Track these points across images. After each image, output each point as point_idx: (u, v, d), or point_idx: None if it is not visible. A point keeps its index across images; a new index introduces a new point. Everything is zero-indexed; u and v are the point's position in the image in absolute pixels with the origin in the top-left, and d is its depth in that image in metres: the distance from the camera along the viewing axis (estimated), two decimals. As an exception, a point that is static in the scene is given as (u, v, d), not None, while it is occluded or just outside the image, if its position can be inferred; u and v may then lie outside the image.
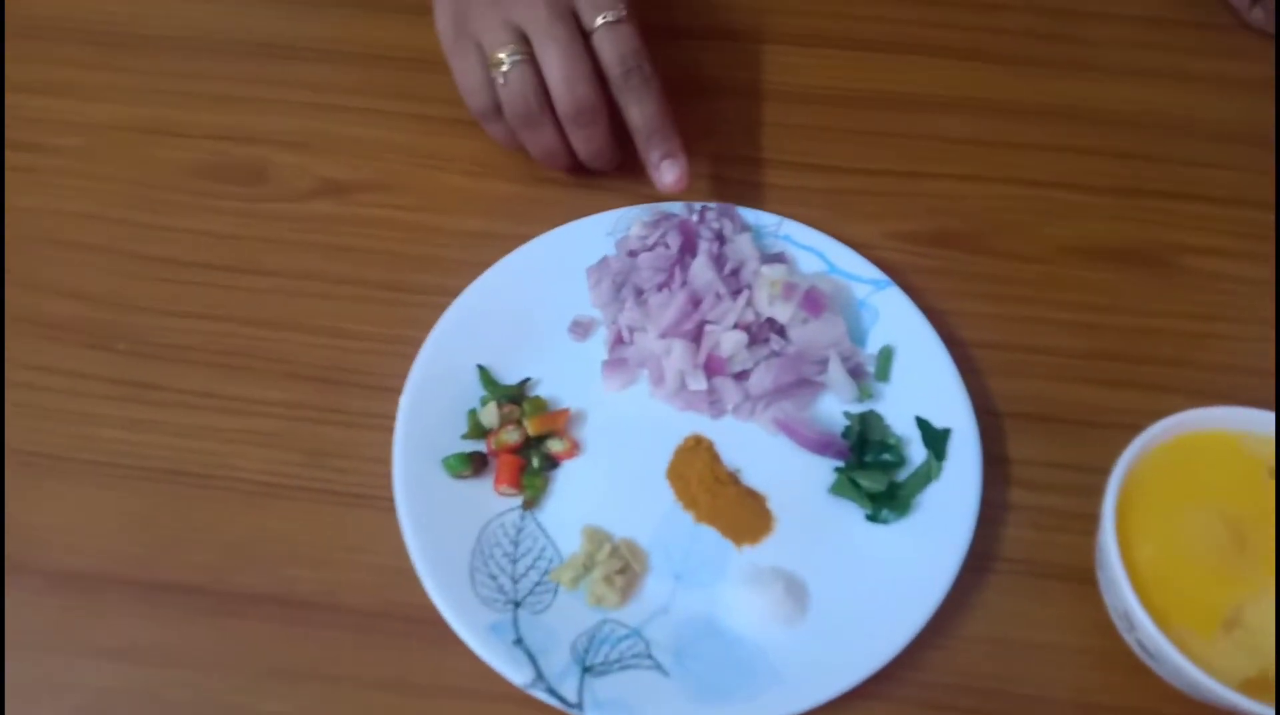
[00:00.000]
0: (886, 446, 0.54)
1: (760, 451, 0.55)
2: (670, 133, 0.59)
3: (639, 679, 0.48)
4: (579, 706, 0.47)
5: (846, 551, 0.52)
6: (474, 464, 0.54)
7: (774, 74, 0.70)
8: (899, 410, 0.56)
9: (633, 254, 0.59)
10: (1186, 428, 0.50)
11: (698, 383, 0.55)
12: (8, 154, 0.66)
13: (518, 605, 0.50)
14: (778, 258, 0.59)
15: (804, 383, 0.56)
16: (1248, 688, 0.44)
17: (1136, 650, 0.48)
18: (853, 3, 0.74)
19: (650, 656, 0.49)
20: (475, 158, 0.66)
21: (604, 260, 0.60)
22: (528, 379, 0.57)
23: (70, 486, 0.55)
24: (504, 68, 0.57)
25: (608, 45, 0.57)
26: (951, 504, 0.52)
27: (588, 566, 0.51)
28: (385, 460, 0.53)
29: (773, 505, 0.54)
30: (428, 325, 0.57)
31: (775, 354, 0.56)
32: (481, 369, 0.57)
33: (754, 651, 0.49)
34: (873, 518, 0.53)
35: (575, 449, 0.55)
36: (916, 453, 0.54)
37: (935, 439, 0.54)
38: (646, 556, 0.52)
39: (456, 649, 0.49)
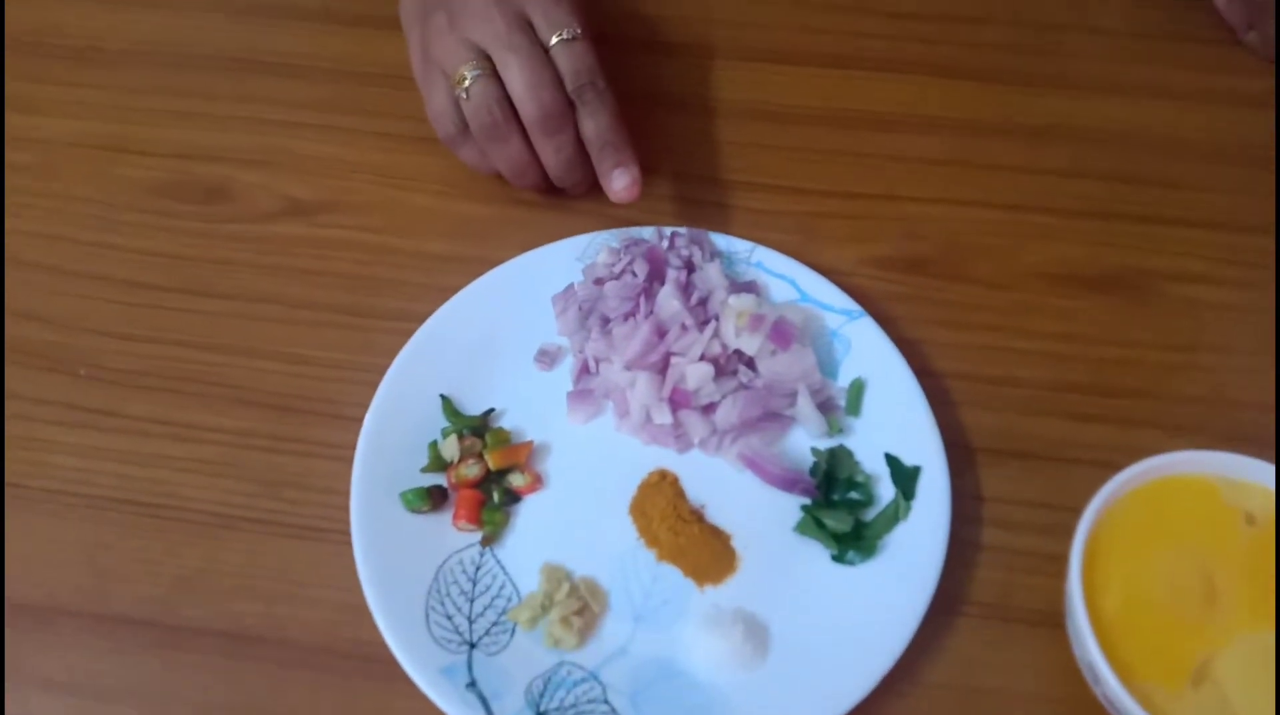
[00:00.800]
0: (854, 484, 0.53)
1: (726, 487, 0.54)
2: (623, 144, 0.59)
3: (594, 724, 0.47)
4: (531, 753, 0.46)
5: (811, 593, 0.51)
6: (433, 498, 0.52)
7: (747, 92, 0.69)
8: (869, 445, 0.55)
9: (599, 282, 0.58)
10: (1162, 471, 0.48)
11: (663, 416, 0.54)
12: (-37, 172, 0.64)
13: (473, 646, 0.49)
14: (748, 287, 0.58)
15: (772, 416, 0.55)
16: (1215, 746, 0.43)
17: (1103, 703, 0.46)
18: (826, 18, 0.73)
19: (606, 701, 0.48)
20: (442, 177, 0.65)
21: (570, 288, 0.58)
22: (491, 410, 0.56)
23: (23, 515, 0.54)
24: (466, 83, 0.58)
25: (563, 61, 0.58)
26: (919, 545, 0.51)
27: (546, 606, 0.50)
28: (341, 491, 0.52)
29: (736, 544, 0.52)
30: (390, 352, 0.56)
31: (743, 387, 0.55)
32: (445, 399, 0.55)
33: (712, 696, 0.48)
34: (838, 559, 0.51)
35: (537, 483, 0.54)
36: (885, 490, 0.53)
37: (904, 477, 0.53)
38: (606, 596, 0.51)
39: (407, 689, 0.47)
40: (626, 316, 0.56)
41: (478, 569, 0.52)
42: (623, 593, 0.51)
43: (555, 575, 0.51)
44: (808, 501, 0.53)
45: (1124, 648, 0.45)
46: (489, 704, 0.47)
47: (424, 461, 0.54)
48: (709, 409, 0.55)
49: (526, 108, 0.57)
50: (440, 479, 0.54)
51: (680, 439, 0.55)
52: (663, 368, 0.55)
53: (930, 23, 0.73)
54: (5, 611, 0.51)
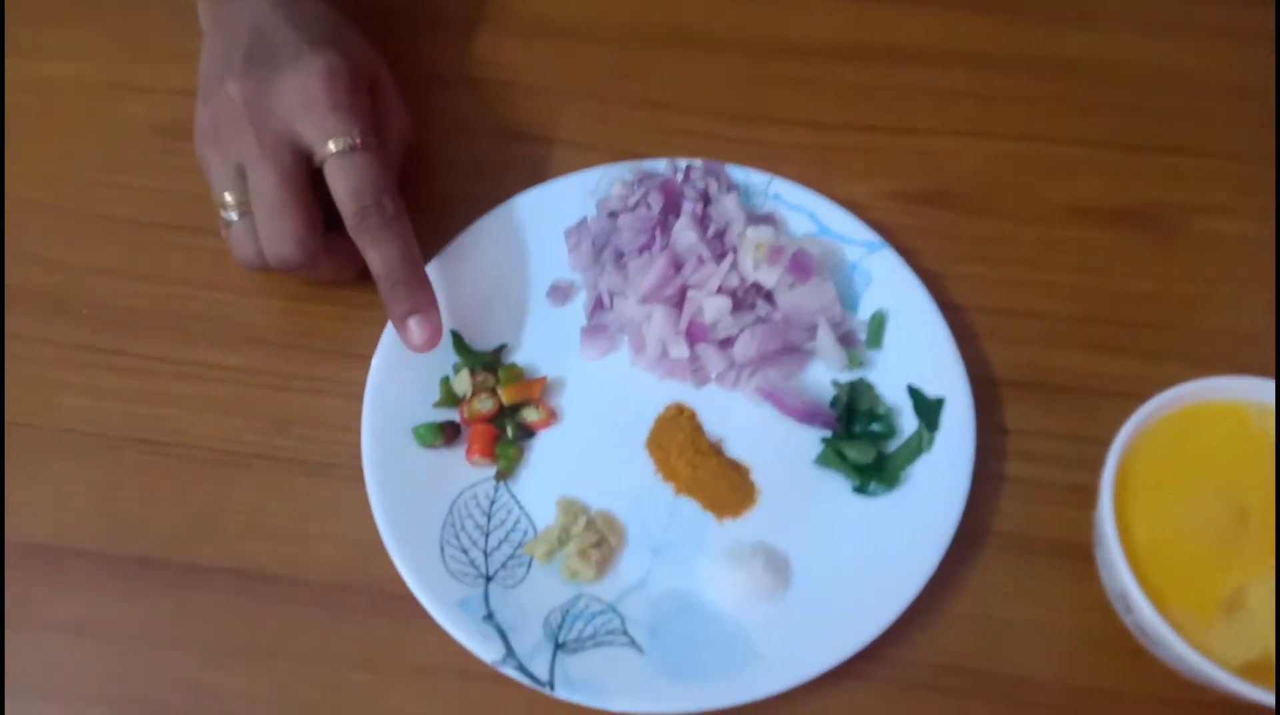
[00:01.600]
0: (876, 416, 0.52)
1: (744, 421, 0.53)
2: (416, 282, 0.50)
3: (613, 656, 0.47)
4: (550, 685, 0.45)
5: (831, 525, 0.50)
6: (446, 433, 0.52)
7: (762, 25, 0.67)
8: (890, 379, 0.53)
9: (613, 215, 0.56)
10: (1191, 398, 0.47)
11: (679, 350, 0.53)
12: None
13: (489, 580, 0.48)
14: (766, 219, 0.57)
15: (791, 350, 0.54)
16: (1248, 671, 0.42)
17: (1134, 631, 0.46)
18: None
19: (625, 633, 0.47)
20: (453, 115, 0.63)
21: (583, 222, 0.57)
22: (503, 345, 0.55)
23: (32, 456, 0.53)
24: (225, 215, 0.52)
25: (339, 179, 0.50)
26: (942, 476, 0.50)
27: (563, 540, 0.49)
28: (353, 428, 0.51)
29: (756, 477, 0.52)
30: (400, 289, 0.54)
31: (761, 320, 0.54)
32: (455, 335, 0.54)
33: (733, 629, 0.47)
34: (860, 490, 0.51)
35: (551, 418, 0.53)
36: (907, 423, 0.52)
37: (927, 409, 0.52)
38: (624, 530, 0.50)
39: (424, 624, 0.47)
40: (641, 250, 0.55)
41: (492, 503, 0.51)
42: (640, 526, 0.50)
43: (572, 509, 0.50)
44: (828, 434, 0.52)
45: (1155, 576, 0.44)
46: (507, 635, 0.46)
47: (435, 398, 0.53)
48: (727, 343, 0.54)
49: (270, 262, 0.51)
50: (453, 414, 0.53)
51: (697, 373, 0.54)
52: (679, 301, 0.54)
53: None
54: (5, 552, 0.51)
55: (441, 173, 0.61)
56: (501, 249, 0.57)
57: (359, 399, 0.51)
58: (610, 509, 0.51)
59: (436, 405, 0.53)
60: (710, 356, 0.53)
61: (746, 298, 0.54)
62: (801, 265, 0.53)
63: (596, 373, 0.55)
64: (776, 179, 0.58)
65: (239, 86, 0.51)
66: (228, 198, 0.51)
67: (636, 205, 0.56)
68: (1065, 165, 0.62)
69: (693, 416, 0.53)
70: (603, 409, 0.54)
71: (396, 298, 0.50)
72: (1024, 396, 0.54)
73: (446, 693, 0.48)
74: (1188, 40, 0.67)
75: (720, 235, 0.55)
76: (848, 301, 0.55)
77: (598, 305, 0.56)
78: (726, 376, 0.54)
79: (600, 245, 0.56)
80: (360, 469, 0.50)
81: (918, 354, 0.53)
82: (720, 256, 0.54)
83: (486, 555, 0.49)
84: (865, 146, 0.62)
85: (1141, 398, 0.47)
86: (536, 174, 0.60)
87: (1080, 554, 0.50)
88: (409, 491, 0.50)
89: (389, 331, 0.53)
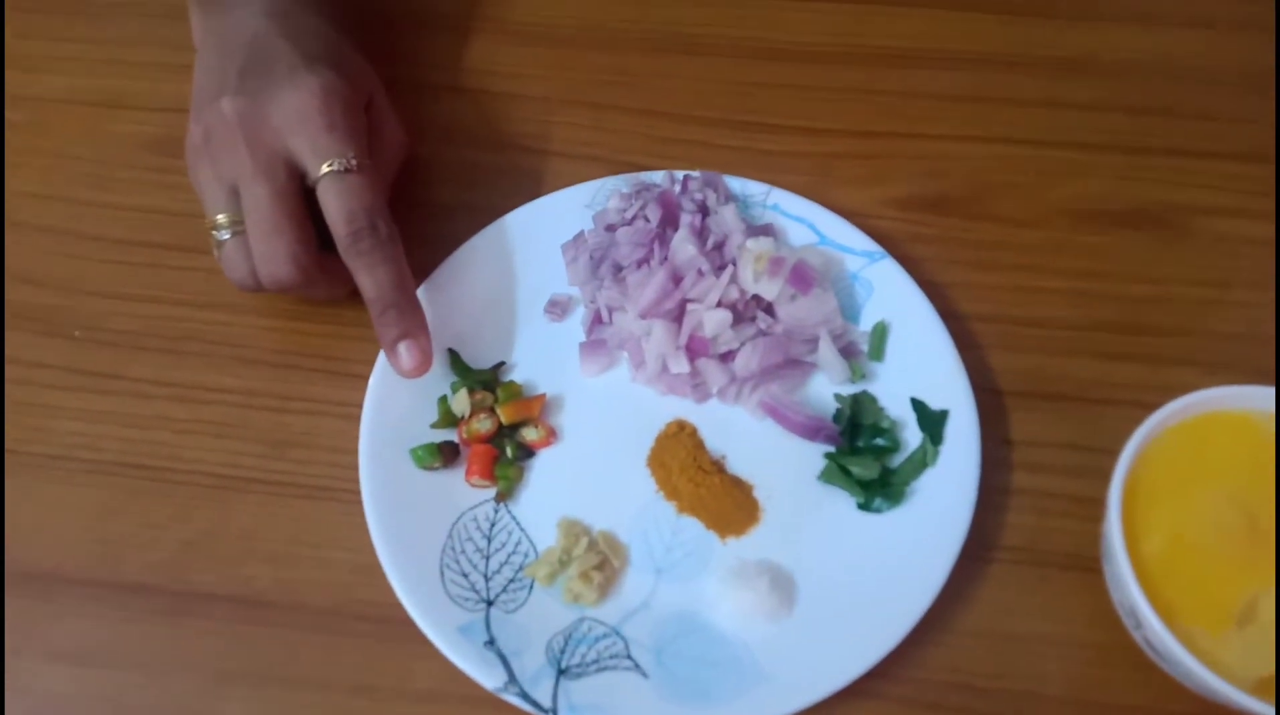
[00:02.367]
0: (879, 430, 0.51)
1: (746, 437, 0.52)
2: (407, 306, 0.50)
3: (617, 680, 0.46)
4: (553, 711, 0.45)
5: (837, 542, 0.49)
6: (444, 454, 0.51)
7: (758, 30, 0.66)
8: (893, 391, 0.53)
9: (611, 228, 0.56)
10: (1200, 408, 0.46)
11: (680, 365, 0.52)
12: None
13: (490, 604, 0.48)
14: (764, 230, 0.56)
15: (793, 363, 0.53)
16: (1262, 688, 0.41)
17: (1144, 647, 0.45)
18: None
19: (629, 656, 0.47)
20: (447, 125, 0.62)
21: (580, 235, 0.56)
22: (501, 363, 0.54)
23: (26, 482, 0.53)
24: (217, 240, 0.51)
25: (333, 200, 0.49)
26: (948, 490, 0.49)
27: (564, 562, 0.49)
28: (350, 451, 0.50)
29: (759, 494, 0.51)
30: (396, 306, 0.54)
31: (762, 333, 0.53)
32: (452, 353, 0.54)
33: (739, 649, 0.47)
34: (865, 506, 0.50)
35: (551, 437, 0.52)
36: (912, 436, 0.51)
37: (931, 421, 0.51)
38: (626, 550, 0.50)
39: (424, 650, 0.46)
40: (640, 263, 0.54)
41: (492, 525, 0.50)
42: (643, 546, 0.50)
43: (573, 530, 0.49)
44: (831, 449, 0.51)
45: (1166, 590, 0.43)
46: (509, 661, 0.46)
47: (433, 418, 0.52)
48: (727, 357, 0.53)
49: (264, 281, 0.50)
50: (451, 435, 0.52)
51: (698, 388, 0.53)
52: (679, 315, 0.53)
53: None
54: (6, 581, 0.50)
55: (435, 181, 0.61)
56: (498, 265, 0.56)
57: (356, 420, 0.51)
58: (612, 529, 0.50)
59: (435, 426, 0.52)
60: (711, 371, 0.53)
61: (747, 311, 0.54)
62: (802, 276, 0.53)
63: (596, 390, 0.54)
64: (775, 189, 0.57)
65: (233, 103, 0.50)
66: (220, 217, 0.50)
67: (634, 218, 0.56)
68: (1069, 167, 0.61)
69: (694, 433, 0.52)
70: (603, 426, 0.53)
71: (387, 322, 0.49)
72: (1030, 406, 0.54)
73: (448, 720, 0.47)
74: (1191, 36, 0.66)
75: (719, 247, 0.55)
76: (849, 313, 0.55)
77: (596, 320, 0.55)
78: (728, 391, 0.53)
79: (598, 259, 0.55)
80: (358, 492, 0.49)
81: (921, 365, 0.53)
82: (720, 268, 0.54)
83: (487, 579, 0.48)
84: (864, 152, 0.62)
85: (1150, 406, 0.46)
86: (531, 183, 0.59)
87: (1090, 567, 0.49)
88: (408, 514, 0.49)
89: (385, 351, 0.52)
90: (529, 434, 0.52)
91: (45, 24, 0.66)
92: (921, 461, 0.50)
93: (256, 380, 0.55)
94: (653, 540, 0.50)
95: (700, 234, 0.54)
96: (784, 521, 0.50)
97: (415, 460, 0.51)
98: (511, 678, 0.45)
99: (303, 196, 0.50)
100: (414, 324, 0.50)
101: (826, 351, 0.53)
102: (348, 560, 0.50)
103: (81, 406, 0.54)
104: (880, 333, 0.54)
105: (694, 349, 0.53)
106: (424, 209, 0.59)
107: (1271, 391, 0.46)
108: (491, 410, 0.52)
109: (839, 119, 0.63)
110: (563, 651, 0.47)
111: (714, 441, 0.52)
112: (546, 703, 0.45)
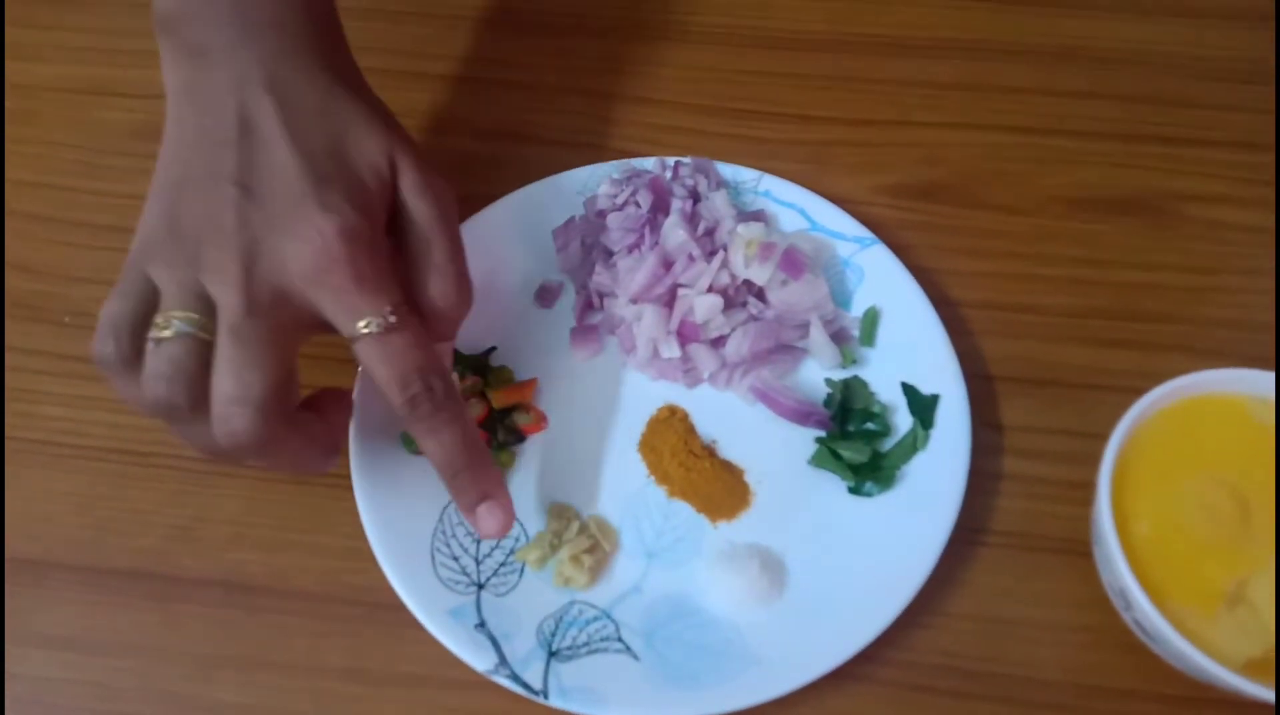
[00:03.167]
0: (870, 415, 0.51)
1: (737, 422, 0.52)
2: (482, 467, 0.44)
3: (608, 663, 0.46)
4: (544, 693, 0.45)
5: (827, 526, 0.49)
6: (434, 439, 0.51)
7: (752, 17, 0.66)
8: (884, 376, 0.53)
9: (601, 214, 0.56)
10: (1189, 391, 0.46)
11: (670, 350, 0.52)
12: (-57, 118, 0.62)
13: (480, 587, 0.48)
14: (755, 216, 0.56)
15: (784, 348, 0.53)
16: (1251, 669, 0.41)
17: (1134, 629, 0.45)
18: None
19: (620, 640, 0.47)
20: (435, 113, 0.62)
21: (570, 221, 0.56)
22: (492, 348, 0.54)
23: (14, 468, 0.52)
24: (165, 332, 0.40)
25: (379, 365, 0.42)
26: (939, 474, 0.49)
27: (555, 545, 0.49)
28: (340, 436, 0.50)
29: (750, 479, 0.51)
30: (386, 292, 0.53)
31: (753, 318, 0.53)
32: (443, 338, 0.54)
33: (729, 633, 0.47)
34: (855, 490, 0.50)
35: (542, 422, 0.52)
36: (902, 421, 0.51)
37: (922, 406, 0.51)
38: (617, 534, 0.50)
39: (415, 634, 0.46)
40: (631, 249, 0.54)
41: (483, 510, 0.50)
42: (634, 531, 0.50)
43: (564, 514, 0.49)
44: (822, 434, 0.51)
45: (1155, 572, 0.43)
46: (499, 644, 0.45)
47: (425, 403, 0.52)
48: (718, 342, 0.53)
49: (216, 425, 0.40)
50: (442, 420, 0.52)
51: (689, 373, 0.53)
52: (670, 300, 0.53)
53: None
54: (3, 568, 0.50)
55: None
56: (488, 251, 0.56)
57: (346, 405, 0.51)
58: (603, 513, 0.50)
59: (425, 410, 0.52)
60: (702, 356, 0.53)
61: (738, 296, 0.54)
62: (793, 262, 0.53)
63: (587, 375, 0.54)
64: (766, 176, 0.57)
65: (238, 200, 0.41)
66: (174, 313, 0.40)
67: (625, 204, 0.55)
68: (1061, 155, 0.61)
69: (685, 418, 0.52)
70: (593, 411, 0.53)
71: (461, 487, 0.44)
72: (1021, 392, 0.54)
73: (438, 703, 0.47)
74: (1184, 25, 0.66)
75: (710, 232, 0.55)
76: (840, 298, 0.55)
77: (587, 306, 0.55)
78: (719, 376, 0.53)
79: (589, 245, 0.55)
80: (348, 477, 0.49)
81: (912, 350, 0.53)
82: (710, 254, 0.54)
83: (478, 562, 0.48)
84: (857, 140, 0.62)
85: (1143, 392, 0.46)
86: (522, 170, 0.59)
87: (1080, 551, 0.49)
88: (398, 499, 0.49)
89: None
90: (520, 418, 0.52)
91: (35, 13, 0.66)
92: (912, 446, 0.50)
93: (247, 366, 0.54)
94: (644, 524, 0.50)
95: (691, 219, 0.54)
96: (775, 506, 0.50)
97: (406, 445, 0.50)
98: (502, 660, 0.45)
99: (301, 341, 0.43)
100: (490, 484, 0.45)
101: (817, 337, 0.52)
102: (338, 545, 0.50)
103: (71, 392, 0.54)
104: (871, 318, 0.54)
105: (685, 334, 0.53)
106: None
107: (1260, 374, 0.46)
108: (482, 395, 0.52)
109: (832, 107, 0.63)
110: (554, 634, 0.46)
111: (705, 426, 0.52)
112: (537, 684, 0.45)
